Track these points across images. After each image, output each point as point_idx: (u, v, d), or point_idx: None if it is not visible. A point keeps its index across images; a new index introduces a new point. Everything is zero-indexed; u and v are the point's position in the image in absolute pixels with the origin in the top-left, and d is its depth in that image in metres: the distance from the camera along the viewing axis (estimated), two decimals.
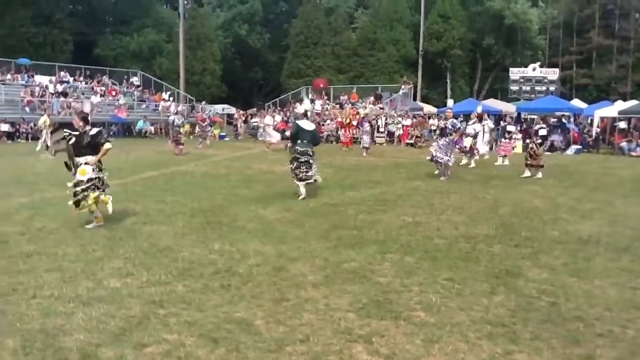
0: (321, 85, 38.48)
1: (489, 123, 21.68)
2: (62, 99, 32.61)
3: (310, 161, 10.77)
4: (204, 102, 28.42)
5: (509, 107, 32.73)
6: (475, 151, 18.58)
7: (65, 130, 8.46)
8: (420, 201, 10.59)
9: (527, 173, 14.79)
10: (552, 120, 29.57)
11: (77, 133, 8.04)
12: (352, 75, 48.68)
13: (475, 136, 18.53)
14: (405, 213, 9.29)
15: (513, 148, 20.03)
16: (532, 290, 5.32)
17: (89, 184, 7.88)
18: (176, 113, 27.04)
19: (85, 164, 7.93)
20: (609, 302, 5.02)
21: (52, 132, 21.27)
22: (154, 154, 21.36)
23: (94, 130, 8.22)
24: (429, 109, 36.97)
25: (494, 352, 3.96)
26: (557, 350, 4.00)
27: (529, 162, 14.93)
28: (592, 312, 4.78)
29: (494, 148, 22.61)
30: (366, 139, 22.80)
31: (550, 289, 5.38)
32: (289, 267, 6.00)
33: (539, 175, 14.63)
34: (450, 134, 14.13)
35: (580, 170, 16.78)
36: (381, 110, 31.56)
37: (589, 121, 31.36)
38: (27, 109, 30.68)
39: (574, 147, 25.59)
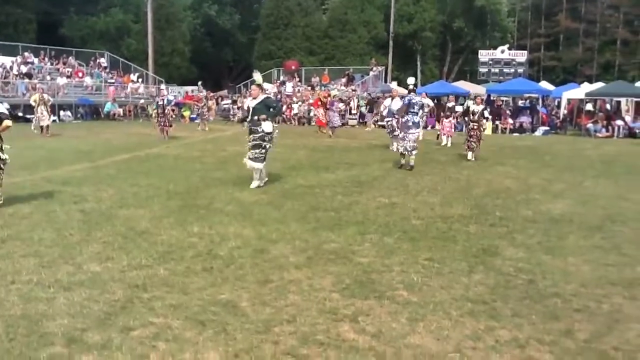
0: (292, 67, 38.28)
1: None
2: (26, 80, 31.70)
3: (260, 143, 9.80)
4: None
5: (478, 89, 33.10)
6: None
7: None
8: (395, 183, 10.69)
9: (469, 156, 14.46)
10: (521, 102, 30.14)
11: None
12: (323, 57, 48.42)
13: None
14: (382, 194, 9.37)
15: (455, 128, 20.05)
16: (510, 269, 5.45)
17: None
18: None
19: None
20: (584, 279, 5.18)
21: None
22: (125, 136, 21.01)
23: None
24: (399, 90, 37.08)
25: (476, 328, 4.06)
26: (537, 325, 4.12)
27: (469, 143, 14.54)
28: (568, 288, 4.92)
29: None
30: (335, 120, 22.82)
31: (527, 267, 5.52)
32: (270, 249, 6.02)
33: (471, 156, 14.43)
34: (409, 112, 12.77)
35: (550, 152, 17.12)
36: (353, 92, 31.56)
37: (556, 103, 31.94)
38: None
39: (542, 129, 26.08)
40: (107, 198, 8.67)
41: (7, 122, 7.81)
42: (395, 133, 14.84)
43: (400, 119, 13.20)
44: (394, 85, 13.58)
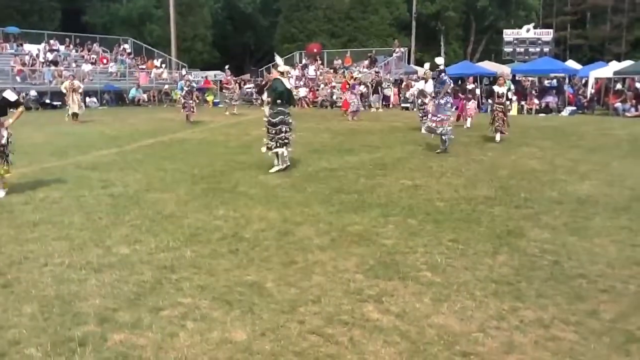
0: (315, 50, 38.04)
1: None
2: (52, 67, 32.17)
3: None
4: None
5: (503, 69, 32.62)
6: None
7: None
8: (419, 165, 10.67)
9: (497, 137, 14.17)
10: (547, 81, 29.62)
11: None
12: (346, 39, 48.13)
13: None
14: (405, 177, 9.37)
15: (480, 110, 19.70)
16: (535, 250, 5.44)
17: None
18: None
19: None
20: (610, 260, 5.14)
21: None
22: (150, 121, 21.24)
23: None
24: (423, 71, 36.77)
25: (500, 309, 4.07)
26: (562, 306, 4.12)
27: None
28: (594, 269, 4.89)
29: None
30: (357, 102, 22.69)
31: (552, 248, 5.49)
32: (294, 231, 6.08)
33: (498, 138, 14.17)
34: (438, 92, 12.48)
35: (577, 132, 16.84)
36: (376, 74, 31.34)
37: (583, 82, 31.32)
38: (17, 78, 30.25)
39: (568, 109, 25.63)
40: (134, 182, 8.82)
41: (21, 109, 8.12)
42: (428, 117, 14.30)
43: (438, 101, 12.40)
44: (426, 66, 13.21)
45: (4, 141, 7.84)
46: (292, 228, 6.20)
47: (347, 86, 23.79)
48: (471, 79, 22.12)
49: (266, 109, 9.83)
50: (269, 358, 3.38)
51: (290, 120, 9.93)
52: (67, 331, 3.69)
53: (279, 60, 10.29)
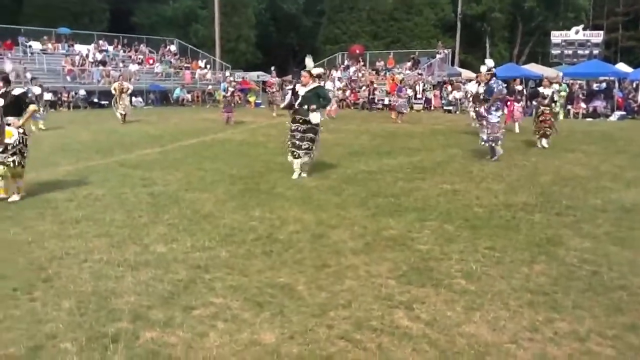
0: (357, 52, 37.98)
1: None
2: (101, 67, 33.10)
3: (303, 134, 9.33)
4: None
5: (550, 72, 31.87)
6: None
7: None
8: (459, 169, 10.52)
9: (543, 143, 13.72)
10: (595, 85, 28.78)
11: None
12: (389, 41, 47.94)
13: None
14: (444, 181, 9.25)
15: (525, 113, 19.00)
16: (574, 259, 5.28)
17: (14, 148, 7.62)
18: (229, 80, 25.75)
19: (8, 125, 7.61)
20: None
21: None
22: (192, 121, 21.61)
23: (18, 91, 8.01)
24: (467, 74, 36.30)
25: (535, 319, 3.98)
26: (599, 318, 3.99)
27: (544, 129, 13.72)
28: (636, 280, 4.72)
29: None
30: (403, 104, 22.55)
31: (592, 258, 5.33)
32: (329, 234, 6.08)
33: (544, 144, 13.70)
34: (487, 100, 11.88)
35: (625, 137, 16.30)
36: (419, 76, 31.08)
37: (634, 86, 30.29)
38: (68, 77, 31.24)
39: (617, 113, 24.82)
40: (174, 181, 8.99)
41: (32, 107, 7.99)
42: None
43: (488, 106, 11.68)
44: (483, 68, 12.60)
45: (12, 140, 7.57)
46: (327, 231, 6.20)
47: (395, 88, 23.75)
48: (518, 80, 21.67)
49: (317, 115, 9.22)
50: None
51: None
52: (101, 327, 3.78)
53: (310, 63, 9.79)
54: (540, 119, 13.91)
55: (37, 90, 18.28)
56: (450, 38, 46.03)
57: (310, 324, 3.87)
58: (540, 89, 14.34)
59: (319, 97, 9.33)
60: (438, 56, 34.44)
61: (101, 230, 6.14)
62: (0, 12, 39.07)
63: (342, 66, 36.94)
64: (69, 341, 3.58)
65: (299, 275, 4.82)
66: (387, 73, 33.82)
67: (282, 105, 10.96)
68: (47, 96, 28.14)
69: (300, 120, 9.29)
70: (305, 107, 9.21)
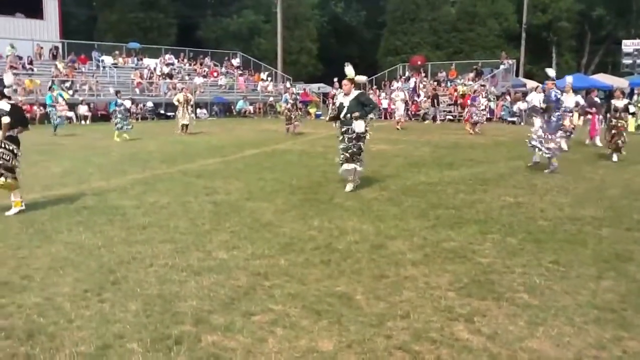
0: (419, 63, 37.75)
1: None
2: (168, 80, 34.27)
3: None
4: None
5: (620, 82, 30.61)
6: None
7: None
8: (522, 181, 10.25)
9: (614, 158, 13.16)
10: None
11: None
12: (451, 51, 47.38)
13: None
14: (507, 193, 9.04)
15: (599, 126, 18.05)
16: None
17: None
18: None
19: None
20: None
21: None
22: (254, 132, 22.03)
23: (7, 106, 7.58)
24: (531, 85, 35.35)
25: (601, 337, 3.82)
26: None
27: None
28: None
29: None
30: (478, 114, 22.26)
31: None
32: (387, 244, 6.06)
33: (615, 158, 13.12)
34: (542, 110, 11.68)
35: None
36: (482, 87, 30.55)
37: None
38: (137, 90, 32.50)
39: None
40: (235, 191, 9.18)
41: (5, 119, 7.47)
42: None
43: (546, 118, 11.52)
44: (551, 73, 11.80)
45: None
46: (386, 241, 6.17)
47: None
48: (595, 91, 20.79)
49: (361, 123, 8.96)
50: None
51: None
52: (165, 329, 3.90)
53: (350, 70, 9.29)
54: (613, 132, 13.40)
55: (128, 103, 19.10)
56: (514, 48, 45.01)
57: (368, 333, 3.86)
58: (613, 101, 13.80)
59: (363, 105, 9.08)
60: (502, 67, 33.74)
61: (166, 237, 6.34)
62: (76, 29, 41.32)
63: (403, 77, 36.75)
64: (135, 342, 3.71)
65: (357, 284, 4.82)
66: (449, 84, 33.42)
67: (327, 119, 10.82)
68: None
69: (349, 130, 9.10)
70: (349, 115, 9.02)
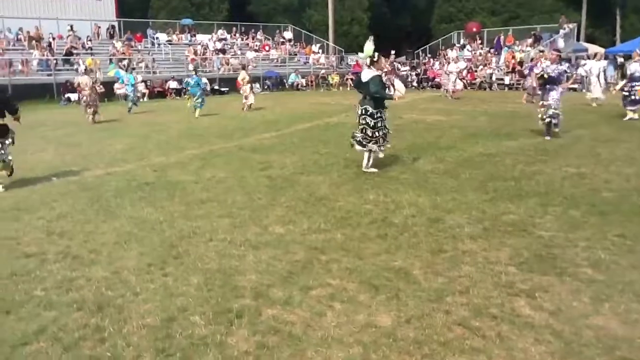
0: (474, 29, 36.59)
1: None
2: (221, 55, 34.56)
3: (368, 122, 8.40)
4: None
5: None
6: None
7: None
8: (585, 151, 9.88)
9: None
10: None
11: None
12: (507, 17, 45.73)
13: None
14: (569, 164, 8.74)
15: None
16: None
17: None
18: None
19: None
20: None
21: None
22: (307, 105, 22.01)
23: None
24: (594, 49, 33.79)
25: None
26: None
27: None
28: None
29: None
30: (532, 83, 21.47)
31: None
32: (444, 218, 5.98)
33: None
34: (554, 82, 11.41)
35: None
36: (540, 53, 29.40)
37: None
38: (190, 66, 32.87)
39: None
40: (290, 165, 9.24)
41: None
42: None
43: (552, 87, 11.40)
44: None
45: None
46: (443, 215, 6.10)
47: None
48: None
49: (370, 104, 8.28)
50: (413, 346, 3.38)
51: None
52: (226, 303, 4.00)
53: (368, 46, 8.44)
54: None
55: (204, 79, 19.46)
56: (575, 11, 42.95)
57: (427, 309, 3.85)
58: None
59: (382, 86, 8.38)
60: (562, 31, 32.32)
61: (224, 211, 6.47)
62: (131, 8, 42.06)
63: (458, 45, 35.79)
64: (198, 314, 3.82)
65: (415, 259, 4.80)
66: (506, 50, 32.33)
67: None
68: (173, 84, 30.01)
69: (364, 109, 8.42)
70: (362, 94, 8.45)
